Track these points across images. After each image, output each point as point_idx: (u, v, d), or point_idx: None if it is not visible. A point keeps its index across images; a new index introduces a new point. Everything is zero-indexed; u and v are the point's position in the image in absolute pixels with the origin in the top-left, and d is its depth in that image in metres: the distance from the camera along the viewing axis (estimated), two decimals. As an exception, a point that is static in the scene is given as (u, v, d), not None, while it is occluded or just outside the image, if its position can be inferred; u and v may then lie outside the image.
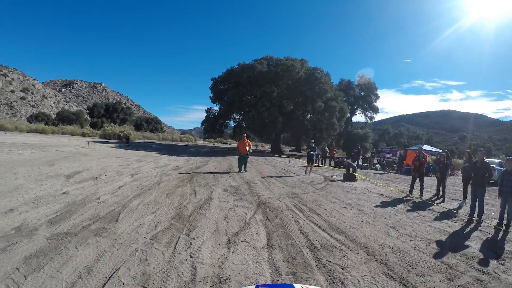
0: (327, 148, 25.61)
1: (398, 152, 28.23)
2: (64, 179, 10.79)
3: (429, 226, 7.92)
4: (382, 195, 12.00)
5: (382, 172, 23.17)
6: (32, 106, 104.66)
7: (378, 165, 26.20)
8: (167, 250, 5.39)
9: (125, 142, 33.71)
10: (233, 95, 37.55)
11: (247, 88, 38.71)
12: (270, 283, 4.52)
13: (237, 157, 19.23)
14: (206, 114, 43.37)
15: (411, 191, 12.42)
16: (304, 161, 26.02)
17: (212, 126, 42.59)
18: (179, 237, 6.06)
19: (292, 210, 8.81)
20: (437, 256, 5.87)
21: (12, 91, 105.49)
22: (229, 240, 6.08)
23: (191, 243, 5.76)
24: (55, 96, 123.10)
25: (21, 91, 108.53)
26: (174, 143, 47.48)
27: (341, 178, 16.09)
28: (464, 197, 11.01)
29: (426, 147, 27.18)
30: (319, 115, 37.67)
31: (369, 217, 8.51)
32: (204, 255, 5.28)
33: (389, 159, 27.83)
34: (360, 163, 26.94)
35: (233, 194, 10.54)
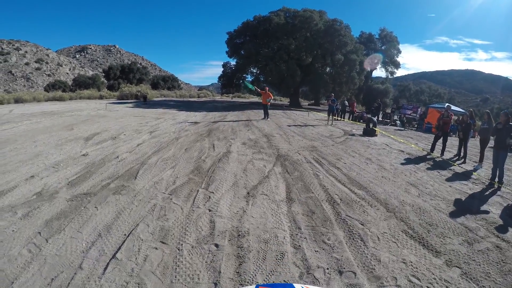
0: (346, 102, 24.92)
1: (419, 109, 27.27)
2: (83, 141, 10.83)
3: (450, 186, 7.63)
4: (403, 151, 11.65)
5: (402, 128, 22.53)
6: (48, 75, 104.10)
7: (398, 121, 25.44)
8: (186, 204, 5.35)
9: (143, 101, 33.59)
10: (250, 48, 36.54)
11: (264, 41, 37.51)
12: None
13: (255, 110, 20.31)
14: (223, 69, 42.79)
15: (432, 149, 11.95)
16: (323, 115, 25.56)
17: (229, 80, 42.00)
18: (198, 191, 6.01)
19: (312, 163, 8.64)
20: (457, 218, 5.63)
21: (27, 64, 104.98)
22: (248, 193, 6.00)
23: (209, 197, 5.70)
24: (70, 63, 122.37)
25: (36, 62, 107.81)
26: (192, 99, 47.20)
27: (361, 133, 15.71)
28: (481, 160, 10.52)
29: (452, 107, 26.23)
30: (338, 68, 36.52)
31: (389, 173, 8.27)
32: (223, 208, 5.23)
33: (410, 116, 27.00)
34: (380, 119, 26.30)
35: (252, 147, 10.42)
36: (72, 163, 7.92)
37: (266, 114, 19.14)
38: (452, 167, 9.79)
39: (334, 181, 7.07)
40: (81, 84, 62.38)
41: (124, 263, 3.71)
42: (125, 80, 67.99)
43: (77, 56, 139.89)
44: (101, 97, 40.74)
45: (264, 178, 6.95)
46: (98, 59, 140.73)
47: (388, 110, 30.78)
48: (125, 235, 4.29)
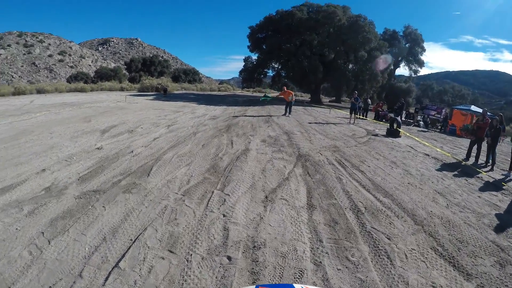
0: (369, 100, 24.12)
1: (443, 110, 26.21)
2: (99, 134, 10.63)
3: (479, 197, 6.99)
4: (428, 155, 10.98)
5: (426, 130, 21.58)
6: (71, 67, 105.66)
7: (421, 122, 24.46)
8: (199, 207, 4.99)
9: (163, 94, 33.47)
10: (272, 43, 35.94)
11: (286, 36, 36.75)
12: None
13: (275, 106, 21.67)
14: (244, 63, 42.34)
15: (468, 156, 11.19)
16: (345, 112, 24.90)
17: (250, 75, 41.53)
18: (213, 192, 5.64)
19: (334, 165, 8.16)
20: (488, 234, 5.05)
21: (50, 55, 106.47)
22: (266, 197, 5.59)
23: (225, 200, 5.32)
24: (92, 55, 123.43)
25: (59, 54, 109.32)
26: (212, 93, 46.91)
27: (384, 133, 15.07)
28: (511, 168, 9.76)
29: (474, 108, 25.10)
30: (361, 65, 35.58)
31: (416, 179, 7.70)
32: (238, 214, 4.84)
33: (433, 117, 25.97)
34: (403, 119, 25.41)
35: (272, 145, 10.00)
36: (85, 157, 7.67)
37: (289, 111, 19.10)
38: (479, 175, 9.11)
39: (358, 187, 6.58)
40: (103, 76, 62.82)
41: (127, 274, 3.36)
42: (146, 72, 68.23)
43: (100, 48, 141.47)
44: (122, 89, 40.79)
45: (284, 181, 6.52)
46: (120, 51, 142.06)
47: (412, 110, 29.66)
48: (131, 240, 3.94)
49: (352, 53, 34.58)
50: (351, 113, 18.06)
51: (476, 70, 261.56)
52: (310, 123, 16.43)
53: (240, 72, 42.58)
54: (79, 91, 34.40)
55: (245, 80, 43.01)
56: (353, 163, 8.55)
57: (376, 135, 14.42)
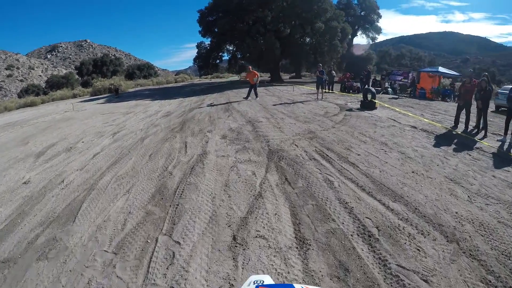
0: (334, 72, 22.56)
1: (410, 75, 25.04)
2: (33, 159, 8.56)
3: (493, 177, 5.55)
4: (415, 128, 9.53)
5: (396, 96, 20.33)
6: (21, 80, 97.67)
7: (389, 89, 23.25)
8: (136, 278, 3.12)
9: (115, 95, 30.76)
10: (224, 24, 33.40)
11: (238, 16, 34.21)
12: None
13: (235, 90, 20.95)
14: (197, 50, 39.61)
15: (456, 123, 9.82)
16: (309, 88, 23.38)
17: (205, 61, 38.90)
18: (156, 241, 3.83)
19: (316, 160, 6.48)
20: None
21: None
22: (234, 238, 3.84)
23: (173, 255, 3.53)
24: (42, 64, 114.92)
25: (6, 69, 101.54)
26: (169, 85, 44.03)
27: (358, 107, 13.59)
28: (506, 132, 8.45)
29: (441, 69, 24.19)
30: (319, 37, 33.90)
31: (418, 164, 6.16)
32: (195, 282, 3.00)
33: (401, 82, 24.85)
34: (370, 87, 24.16)
35: (234, 141, 8.19)
36: (7, 199, 5.74)
37: (255, 94, 17.44)
38: (478, 145, 7.73)
39: (356, 190, 4.93)
40: (54, 85, 59.31)
41: None
42: (98, 74, 65.07)
43: (49, 56, 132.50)
44: (74, 96, 37.88)
45: (256, 199, 4.76)
46: (71, 56, 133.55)
47: (378, 77, 28.45)
48: None
49: (308, 26, 32.72)
50: (317, 88, 16.45)
51: (430, 32, 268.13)
52: (275, 105, 14.69)
53: (194, 59, 39.88)
54: (30, 105, 31.44)
55: (200, 67, 40.43)
56: (338, 152, 6.90)
57: (351, 109, 12.93)
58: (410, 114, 11.94)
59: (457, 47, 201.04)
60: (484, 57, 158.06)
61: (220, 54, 39.10)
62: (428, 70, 24.26)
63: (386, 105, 14.24)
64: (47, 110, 23.83)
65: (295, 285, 1.44)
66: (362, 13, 49.11)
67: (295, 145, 7.58)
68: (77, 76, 69.48)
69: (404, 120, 10.63)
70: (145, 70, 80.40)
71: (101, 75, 61.41)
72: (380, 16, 49.80)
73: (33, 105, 31.37)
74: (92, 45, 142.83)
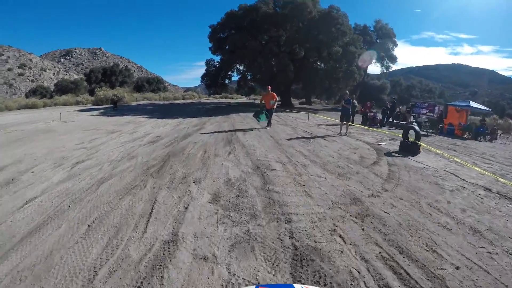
0: (355, 101, 19.28)
1: (436, 108, 21.80)
2: None
3: None
4: (489, 190, 6.21)
5: (424, 133, 16.95)
6: (32, 81, 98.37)
7: (415, 124, 19.71)
8: None
9: (113, 107, 27.75)
10: (235, 41, 30.37)
11: (251, 33, 31.28)
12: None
13: (242, 114, 17.85)
14: (206, 67, 36.55)
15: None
16: (324, 117, 20.22)
17: (213, 80, 35.77)
18: None
19: (387, 283, 3.04)
20: None
21: (9, 69, 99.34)
22: None
23: None
24: (54, 67, 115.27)
25: (18, 67, 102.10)
26: (175, 102, 41.12)
27: (395, 148, 10.29)
28: None
29: (473, 103, 20.91)
30: (335, 62, 30.88)
31: None
32: None
33: (427, 116, 21.46)
34: (391, 120, 20.74)
35: (231, 213, 4.73)
36: None
37: (269, 122, 14.42)
38: None
39: None
40: (63, 89, 58.23)
41: None
42: (107, 83, 63.27)
43: (62, 60, 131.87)
44: (77, 103, 35.83)
45: None
46: (84, 62, 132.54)
47: (403, 109, 24.87)
48: None
49: (325, 49, 29.72)
50: (342, 121, 13.19)
51: (439, 64, 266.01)
52: (290, 139, 11.39)
53: (202, 77, 36.78)
54: (30, 107, 29.96)
55: (207, 85, 37.37)
56: (421, 262, 3.45)
57: (390, 153, 9.57)
58: (464, 163, 8.63)
59: (465, 79, 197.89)
60: (492, 90, 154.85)
61: (230, 73, 36.11)
62: (457, 104, 21.06)
63: (427, 146, 10.94)
64: (40, 115, 21.29)
65: (295, 285, 1.39)
66: (378, 41, 46.27)
67: (339, 236, 4.10)
68: (85, 83, 67.63)
69: (466, 175, 7.34)
70: (154, 84, 78.44)
71: (109, 85, 59.53)
72: (396, 45, 46.98)
73: (34, 108, 29.73)
74: (105, 54, 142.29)
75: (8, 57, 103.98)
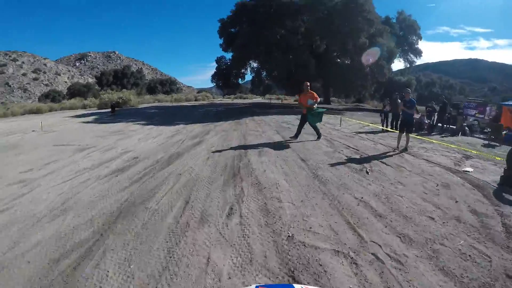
0: (399, 100, 14.52)
1: (488, 108, 17.07)
2: None
3: None
4: None
5: (487, 141, 12.31)
6: (46, 85, 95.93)
7: (467, 128, 14.94)
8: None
9: (110, 112, 23.94)
10: (248, 33, 26.02)
11: (264, 26, 27.01)
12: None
13: (255, 118, 15.99)
14: (216, 66, 32.43)
15: None
16: (357, 120, 16.03)
17: (225, 79, 31.70)
18: None
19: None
20: None
21: (24, 74, 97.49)
22: None
23: None
24: (69, 71, 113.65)
25: (33, 72, 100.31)
26: (186, 104, 37.18)
27: (495, 179, 6.01)
28: None
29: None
30: (361, 56, 26.36)
31: None
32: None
33: (478, 118, 16.73)
34: (441, 124, 15.96)
35: None
36: None
37: (318, 134, 10.54)
38: None
39: None
40: (76, 92, 57.27)
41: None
42: (119, 85, 62.00)
43: (77, 64, 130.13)
44: (84, 107, 33.33)
45: None
46: (98, 66, 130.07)
47: (453, 111, 19.83)
48: None
49: (349, 41, 25.17)
50: (402, 131, 8.92)
51: (455, 59, 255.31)
52: (333, 165, 7.14)
53: (213, 76, 32.56)
54: (35, 112, 27.89)
55: (218, 85, 33.18)
56: None
57: (499, 194, 5.28)
58: None
59: (482, 75, 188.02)
60: (511, 85, 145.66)
61: (243, 71, 31.85)
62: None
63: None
64: (31, 123, 18.27)
65: (295, 285, 1.36)
66: (401, 33, 41.09)
67: None
68: (97, 86, 65.60)
69: None
70: (168, 85, 75.92)
71: (121, 87, 57.95)
72: (420, 38, 41.69)
73: (38, 113, 27.68)
74: (120, 57, 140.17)
75: (23, 62, 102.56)
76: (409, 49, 41.43)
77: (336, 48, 25.83)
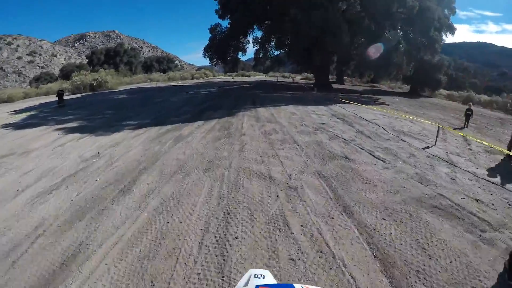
0: None
1: None
2: None
3: None
4: None
5: None
6: (42, 67, 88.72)
7: None
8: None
9: (58, 102, 16.02)
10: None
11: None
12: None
13: (260, 110, 10.63)
14: (210, 36, 23.84)
15: None
16: (401, 114, 9.01)
17: (220, 52, 23.24)
18: None
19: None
20: None
21: (19, 58, 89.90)
22: None
23: None
24: (66, 52, 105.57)
25: (28, 55, 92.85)
26: (179, 83, 29.72)
27: None
28: None
29: None
30: (409, 25, 18.06)
31: None
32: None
33: None
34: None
35: None
36: None
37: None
38: None
39: None
40: (68, 73, 51.47)
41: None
42: (111, 65, 57.32)
43: (76, 45, 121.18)
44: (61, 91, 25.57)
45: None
46: (98, 46, 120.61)
47: None
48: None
49: (394, 3, 16.57)
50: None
51: (463, 42, 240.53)
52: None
53: (205, 49, 24.08)
54: (6, 101, 23.39)
55: (211, 59, 24.49)
56: None
57: None
58: None
59: (491, 60, 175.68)
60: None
61: (242, 42, 23.16)
62: None
63: None
64: None
65: (295, 285, 1.28)
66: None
67: None
68: (88, 66, 59.08)
69: None
70: (165, 63, 68.35)
71: (114, 66, 53.58)
72: (454, 12, 32.39)
73: (9, 101, 23.33)
74: (120, 36, 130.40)
75: (18, 45, 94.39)
76: (441, 25, 32.31)
77: (377, 12, 17.19)
